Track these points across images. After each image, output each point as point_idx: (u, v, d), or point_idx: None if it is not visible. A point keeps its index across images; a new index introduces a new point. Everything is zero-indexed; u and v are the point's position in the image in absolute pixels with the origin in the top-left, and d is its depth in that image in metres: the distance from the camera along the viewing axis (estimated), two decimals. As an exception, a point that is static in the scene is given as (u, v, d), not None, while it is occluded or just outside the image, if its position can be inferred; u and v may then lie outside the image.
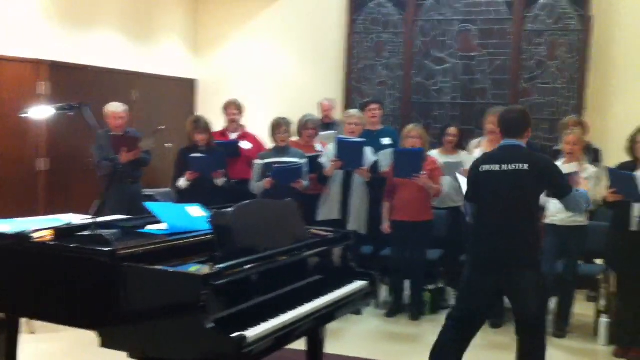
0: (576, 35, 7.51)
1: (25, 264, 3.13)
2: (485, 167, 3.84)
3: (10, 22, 6.39)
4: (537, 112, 7.51)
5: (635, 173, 4.60)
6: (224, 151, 6.06)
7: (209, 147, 5.90)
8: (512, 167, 3.74)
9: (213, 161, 5.80)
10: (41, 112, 3.93)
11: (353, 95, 8.32)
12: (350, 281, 3.68)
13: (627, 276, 4.91)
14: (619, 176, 4.73)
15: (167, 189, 6.99)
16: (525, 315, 3.78)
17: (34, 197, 6.61)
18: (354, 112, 6.11)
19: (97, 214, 3.23)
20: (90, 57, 7.25)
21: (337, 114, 7.60)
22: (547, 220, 5.24)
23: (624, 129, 5.20)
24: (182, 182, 5.79)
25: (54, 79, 6.71)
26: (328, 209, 5.75)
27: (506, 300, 4.12)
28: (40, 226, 3.23)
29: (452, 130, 6.23)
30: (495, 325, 5.43)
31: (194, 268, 2.93)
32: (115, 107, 6.15)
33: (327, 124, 7.06)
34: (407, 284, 5.92)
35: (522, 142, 3.89)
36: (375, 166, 5.86)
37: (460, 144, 6.29)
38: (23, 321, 4.87)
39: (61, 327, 3.13)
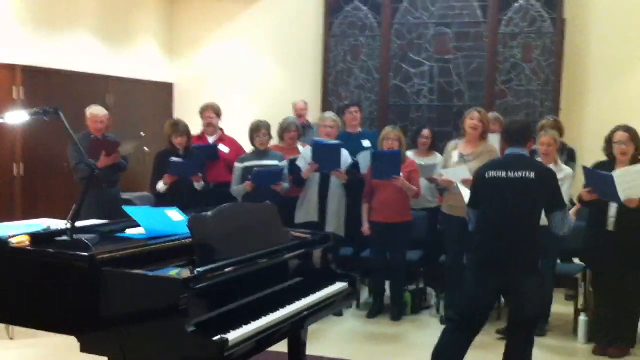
0: (550, 38, 7.60)
1: (2, 270, 3.09)
2: (492, 174, 3.93)
3: (-17, 27, 6.32)
4: (512, 114, 7.59)
5: (612, 173, 4.64)
6: (203, 155, 6.04)
7: (187, 150, 5.87)
8: (518, 174, 3.84)
9: (192, 165, 5.78)
10: (16, 117, 3.88)
11: (330, 98, 8.34)
12: (331, 283, 3.69)
13: (604, 275, 4.96)
14: (595, 176, 4.78)
15: (145, 193, 6.95)
16: (525, 317, 3.87)
17: (11, 202, 6.53)
18: (329, 114, 6.12)
19: (74, 219, 3.19)
20: (65, 61, 7.18)
21: (311, 116, 7.61)
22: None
23: (598, 130, 5.27)
24: (161, 186, 5.75)
25: (28, 83, 6.63)
26: (306, 212, 5.75)
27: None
28: (17, 231, 3.19)
29: (426, 132, 6.28)
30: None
31: (173, 272, 2.92)
32: (96, 111, 6.10)
33: (302, 126, 7.05)
34: (387, 285, 5.93)
35: (526, 152, 4.03)
36: (356, 168, 5.88)
37: (435, 146, 6.33)
38: (1, 327, 4.85)
39: (40, 332, 3.10)
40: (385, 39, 8.09)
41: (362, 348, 5.10)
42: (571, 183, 5.22)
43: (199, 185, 5.78)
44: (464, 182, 5.11)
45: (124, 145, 5.99)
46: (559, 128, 5.87)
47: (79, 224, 3.29)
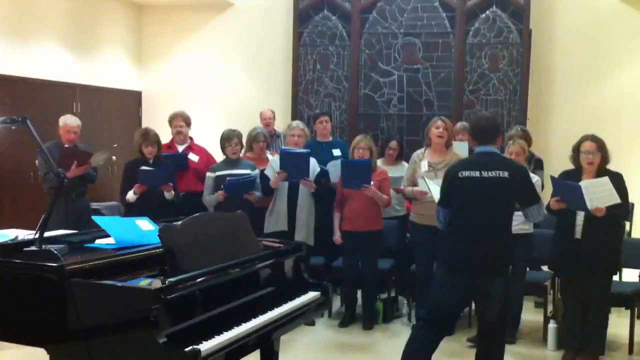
0: (516, 48, 7.72)
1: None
2: (465, 174, 3.89)
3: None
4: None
5: (580, 183, 4.71)
6: (173, 164, 5.98)
7: (157, 160, 5.81)
8: (492, 174, 3.83)
9: (162, 174, 5.71)
10: (-18, 126, 3.80)
11: (300, 107, 8.34)
12: (303, 292, 3.67)
13: (572, 282, 5.01)
14: (563, 186, 4.83)
15: (114, 203, 6.86)
16: (492, 320, 3.89)
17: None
18: (296, 123, 6.12)
19: (43, 229, 3.13)
20: (31, 69, 7.08)
21: (278, 125, 7.59)
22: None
23: (565, 139, 5.36)
24: (131, 196, 5.67)
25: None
26: (275, 221, 5.72)
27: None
28: (-16, 242, 3.13)
29: (393, 144, 6.31)
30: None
31: (144, 282, 2.89)
32: (69, 121, 6.03)
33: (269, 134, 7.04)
34: (359, 294, 5.93)
35: (496, 148, 4.01)
36: (325, 177, 5.88)
37: (402, 156, 6.36)
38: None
39: (9, 344, 3.03)
40: (355, 49, 8.13)
41: (334, 357, 5.09)
42: (539, 192, 5.27)
43: (169, 194, 5.71)
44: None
45: (96, 156, 5.92)
46: (527, 138, 5.94)
47: (47, 234, 3.23)
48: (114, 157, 6.91)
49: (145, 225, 3.56)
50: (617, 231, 5.01)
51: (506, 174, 3.83)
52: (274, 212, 5.76)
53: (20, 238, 3.36)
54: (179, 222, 3.17)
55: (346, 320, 5.81)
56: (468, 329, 5.58)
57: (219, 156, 6.20)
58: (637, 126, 7.39)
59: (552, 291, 5.59)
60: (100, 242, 3.42)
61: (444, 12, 7.91)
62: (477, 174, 3.86)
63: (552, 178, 4.91)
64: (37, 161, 6.03)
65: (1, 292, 2.94)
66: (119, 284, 2.81)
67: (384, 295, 6.05)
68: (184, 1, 8.66)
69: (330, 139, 6.62)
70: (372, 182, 5.52)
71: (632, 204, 6.14)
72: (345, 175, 5.61)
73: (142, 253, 3.23)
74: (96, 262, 2.98)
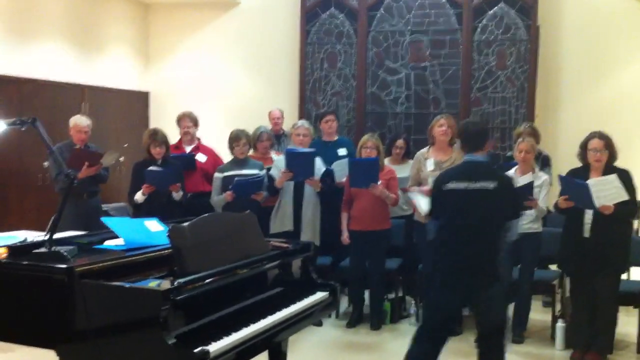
0: (524, 45, 7.68)
1: (-21, 283, 3.03)
2: (452, 185, 3.85)
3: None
4: (488, 121, 7.66)
5: (587, 181, 4.69)
6: (181, 164, 5.99)
7: (165, 160, 5.82)
8: (479, 185, 3.78)
9: (170, 174, 5.72)
10: (-9, 127, 3.81)
11: (307, 106, 8.33)
12: (311, 292, 3.68)
13: (580, 281, 5.00)
14: (571, 184, 4.82)
15: (121, 204, 6.88)
16: (492, 324, 3.88)
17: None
18: (301, 123, 6.13)
19: (52, 230, 3.14)
20: (38, 71, 7.09)
21: (288, 124, 7.58)
22: (503, 228, 5.32)
23: (573, 136, 5.34)
24: (139, 196, 5.69)
25: (1, 93, 6.54)
26: (280, 221, 5.73)
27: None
28: (-7, 244, 3.14)
29: (400, 142, 6.31)
30: (455, 332, 5.47)
31: (153, 283, 2.89)
32: (80, 121, 6.05)
33: (277, 135, 7.04)
34: (366, 294, 5.92)
35: (484, 157, 3.97)
36: (330, 176, 5.87)
37: (409, 154, 6.35)
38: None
39: (18, 346, 3.04)
40: (362, 47, 8.12)
41: (342, 357, 5.09)
42: (548, 190, 5.27)
43: (177, 195, 5.72)
44: (419, 191, 5.21)
45: (106, 156, 5.94)
46: (535, 135, 5.93)
47: (57, 235, 3.24)
48: (121, 158, 6.92)
49: (154, 226, 3.57)
50: (625, 229, 4.99)
51: (492, 185, 3.78)
52: (279, 212, 5.77)
53: (29, 240, 3.37)
54: (188, 223, 3.17)
55: (354, 320, 5.81)
56: (475, 329, 5.57)
57: (226, 156, 6.20)
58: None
59: (560, 290, 5.56)
60: (109, 243, 3.43)
61: (451, 8, 7.88)
62: (464, 185, 3.81)
63: (560, 176, 4.91)
64: (46, 163, 6.05)
65: (11, 294, 2.96)
66: (128, 285, 2.82)
67: (392, 295, 6.05)
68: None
69: (336, 138, 6.61)
70: (379, 181, 5.52)
71: (641, 202, 6.11)
72: (352, 174, 5.61)
73: (151, 254, 3.23)
74: (105, 263, 2.99)
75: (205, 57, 8.77)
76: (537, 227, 5.26)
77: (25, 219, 6.50)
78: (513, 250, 5.26)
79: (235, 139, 5.86)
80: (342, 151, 6.40)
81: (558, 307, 5.54)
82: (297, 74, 8.38)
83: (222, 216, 4.26)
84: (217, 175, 5.88)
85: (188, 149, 6.51)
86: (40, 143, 3.42)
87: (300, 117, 7.92)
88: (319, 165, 5.79)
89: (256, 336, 3.05)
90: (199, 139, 6.66)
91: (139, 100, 8.84)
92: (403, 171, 6.01)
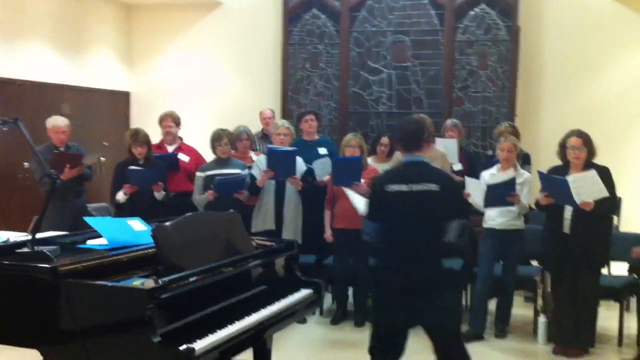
0: (505, 45, 7.75)
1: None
2: (393, 188, 3.62)
3: None
4: (469, 120, 7.75)
5: (567, 177, 4.76)
6: (163, 164, 5.98)
7: (147, 160, 5.80)
8: (421, 187, 3.58)
9: (152, 174, 5.71)
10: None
11: (290, 106, 8.35)
12: (296, 290, 3.70)
13: (561, 277, 5.06)
14: (550, 180, 4.89)
15: (103, 204, 6.85)
16: (445, 334, 3.65)
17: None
18: (281, 122, 6.14)
19: (35, 230, 3.13)
20: (19, 71, 7.05)
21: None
22: (486, 225, 5.37)
23: (553, 135, 5.39)
24: (121, 196, 5.67)
25: (-19, 94, 6.51)
26: (262, 220, 5.74)
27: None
28: (-24, 245, 3.13)
29: (384, 140, 6.33)
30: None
31: (137, 282, 2.89)
32: (57, 122, 6.02)
33: (268, 135, 7.04)
34: (350, 291, 5.95)
35: (424, 156, 3.78)
36: (311, 175, 5.90)
37: (393, 152, 6.38)
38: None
39: (1, 346, 3.02)
40: (344, 47, 8.15)
41: (327, 354, 5.11)
42: (529, 188, 5.33)
43: (159, 195, 5.71)
44: (355, 187, 5.24)
45: (87, 157, 5.91)
46: (515, 134, 5.99)
47: (40, 235, 3.23)
48: (102, 158, 6.90)
49: (137, 225, 3.57)
50: (605, 225, 5.06)
51: (434, 186, 3.58)
52: (261, 211, 5.78)
53: (12, 240, 3.35)
54: (172, 222, 3.18)
55: (338, 317, 5.84)
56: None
57: (209, 156, 6.20)
58: (625, 123, 7.44)
59: (542, 286, 5.62)
60: (92, 242, 3.43)
61: (433, 9, 7.93)
62: (405, 187, 3.60)
63: (540, 173, 4.96)
64: (28, 164, 6.01)
65: (-6, 294, 2.94)
66: (112, 284, 2.82)
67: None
68: (173, 0, 8.65)
69: (316, 137, 6.63)
70: (362, 180, 5.55)
71: (620, 198, 6.20)
72: (336, 173, 5.64)
73: (135, 253, 3.23)
74: (89, 262, 2.98)
75: (188, 58, 8.76)
76: (520, 224, 5.32)
77: (10, 219, 6.46)
78: (497, 246, 5.34)
79: (217, 138, 5.86)
80: (322, 150, 6.42)
81: (540, 302, 5.60)
82: (280, 75, 8.40)
83: (206, 215, 4.26)
84: (198, 174, 5.88)
85: (170, 148, 6.50)
86: (23, 143, 3.41)
87: (283, 117, 7.93)
88: (300, 165, 5.81)
89: (241, 334, 3.06)
90: (181, 139, 6.65)
91: (121, 101, 8.81)
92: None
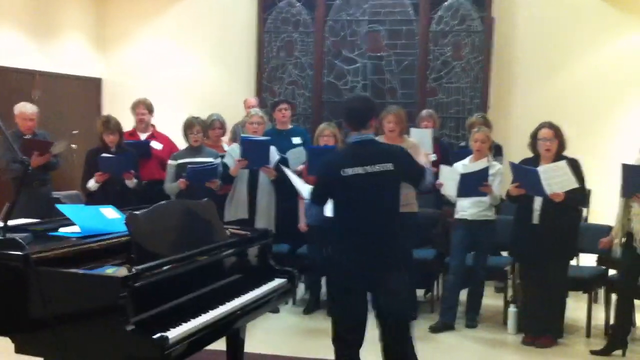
0: (479, 36, 7.80)
1: None
2: (349, 171, 3.52)
3: None
4: (443, 111, 7.78)
5: (537, 168, 4.82)
6: (135, 152, 5.93)
7: (119, 148, 5.75)
8: (377, 168, 3.53)
9: (123, 161, 5.66)
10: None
11: (264, 95, 8.31)
12: (270, 279, 3.70)
13: (530, 267, 5.13)
14: (521, 171, 4.94)
15: (74, 192, 6.78)
16: (395, 316, 3.61)
17: None
18: (254, 111, 6.10)
19: (7, 218, 3.09)
20: (-11, 55, 6.93)
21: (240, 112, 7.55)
22: (457, 215, 5.43)
23: (525, 126, 5.45)
24: (92, 184, 5.61)
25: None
26: (235, 209, 5.72)
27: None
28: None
29: None
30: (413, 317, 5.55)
31: (110, 270, 2.87)
32: (24, 108, 5.93)
33: None
34: (323, 281, 5.97)
35: (372, 134, 3.71)
36: (285, 164, 5.89)
37: None
38: None
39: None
40: (319, 36, 8.13)
41: (299, 343, 5.13)
42: (501, 179, 5.38)
43: (131, 183, 5.66)
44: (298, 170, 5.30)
45: (56, 144, 5.83)
46: (487, 125, 6.04)
47: (11, 222, 3.19)
48: (73, 146, 6.81)
49: (110, 213, 3.53)
50: (574, 216, 5.14)
51: (390, 165, 3.53)
52: (233, 200, 5.76)
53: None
54: (146, 210, 3.16)
55: (310, 306, 5.86)
56: (430, 314, 5.68)
57: (182, 144, 6.16)
58: (595, 115, 7.54)
59: (512, 276, 5.70)
60: (65, 230, 3.39)
61: (408, -1, 7.96)
62: (361, 170, 3.51)
63: (511, 163, 5.01)
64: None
65: (-36, 282, 2.90)
66: (85, 272, 2.80)
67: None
68: (146, -14, 8.56)
69: (290, 126, 6.61)
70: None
71: (589, 190, 6.29)
72: (310, 163, 5.63)
73: (108, 241, 3.20)
74: (62, 250, 2.96)
75: (161, 45, 8.67)
76: (491, 214, 5.38)
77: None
78: (468, 237, 5.39)
79: (188, 126, 5.82)
80: (296, 140, 6.41)
81: (510, 292, 5.67)
82: (254, 63, 8.35)
83: (180, 203, 4.23)
84: (170, 162, 5.84)
85: (143, 136, 6.44)
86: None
87: (258, 105, 7.88)
88: (273, 154, 5.80)
89: (214, 323, 3.05)
90: (154, 127, 6.59)
91: (92, 87, 8.70)
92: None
